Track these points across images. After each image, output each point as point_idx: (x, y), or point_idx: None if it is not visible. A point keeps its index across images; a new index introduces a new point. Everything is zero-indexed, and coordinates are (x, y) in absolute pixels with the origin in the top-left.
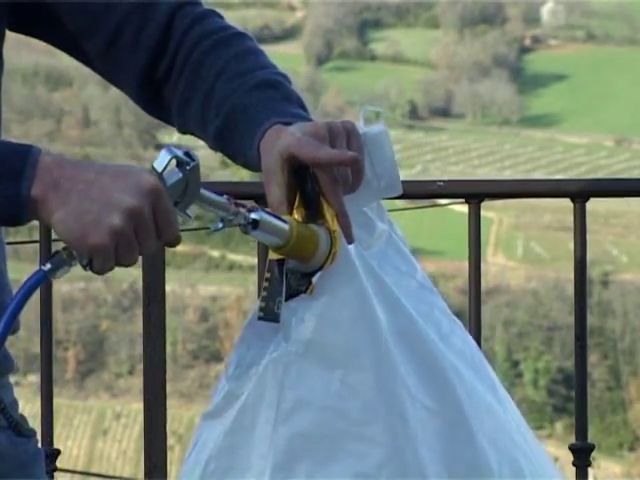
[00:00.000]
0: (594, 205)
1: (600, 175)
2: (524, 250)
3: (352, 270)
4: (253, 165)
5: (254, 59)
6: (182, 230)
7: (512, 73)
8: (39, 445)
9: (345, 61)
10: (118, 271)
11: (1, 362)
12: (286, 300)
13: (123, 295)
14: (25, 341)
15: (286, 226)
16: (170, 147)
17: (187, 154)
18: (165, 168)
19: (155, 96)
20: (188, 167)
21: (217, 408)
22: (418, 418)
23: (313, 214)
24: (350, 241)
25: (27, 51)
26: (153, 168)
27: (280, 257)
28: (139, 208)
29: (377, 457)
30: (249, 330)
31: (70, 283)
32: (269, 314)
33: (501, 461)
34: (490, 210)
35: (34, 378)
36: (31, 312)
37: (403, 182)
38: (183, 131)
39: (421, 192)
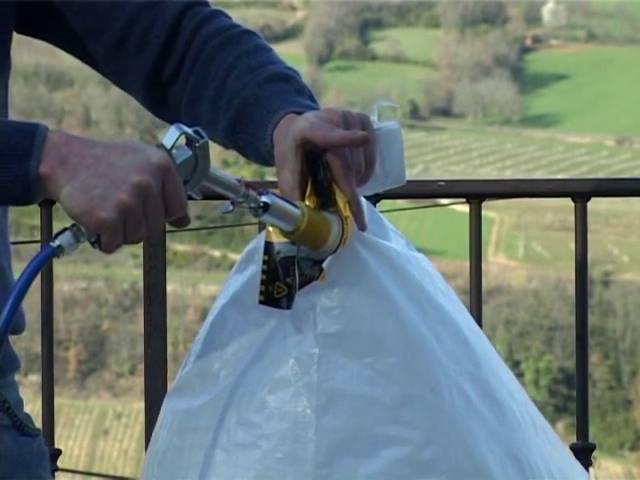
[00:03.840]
0: (595, 205)
1: (601, 175)
2: (525, 250)
3: (363, 256)
4: (265, 157)
5: (264, 55)
6: (183, 230)
7: (513, 73)
8: (43, 445)
9: (346, 61)
10: (119, 271)
11: (6, 361)
12: (299, 288)
13: (124, 295)
14: (26, 341)
15: (297, 211)
16: (179, 124)
17: (197, 132)
18: (174, 145)
19: (162, 96)
20: (197, 144)
21: (185, 384)
22: (456, 394)
23: (325, 202)
24: (362, 227)
25: (28, 51)
26: (162, 144)
27: (277, 240)
28: (148, 184)
29: (417, 439)
30: (228, 307)
31: (71, 283)
32: (269, 299)
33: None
34: (491, 210)
35: (35, 378)
36: (32, 312)
37: None
38: None
39: (422, 192)
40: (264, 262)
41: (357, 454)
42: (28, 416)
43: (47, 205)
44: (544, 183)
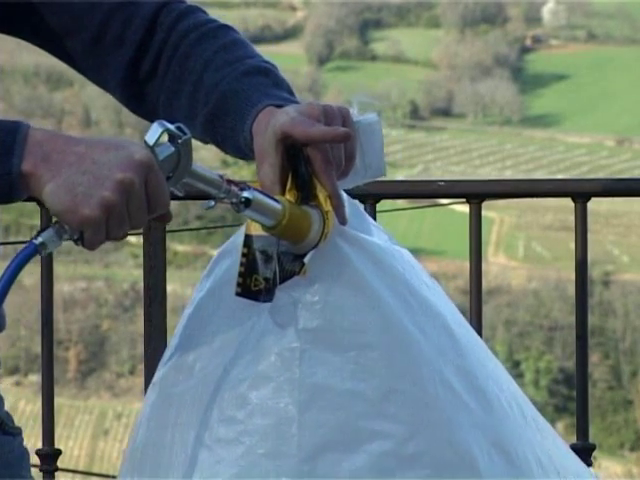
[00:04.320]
0: (595, 205)
1: (601, 175)
2: (525, 250)
3: (345, 250)
4: (244, 150)
5: (242, 49)
6: (183, 230)
7: (513, 73)
8: (24, 445)
9: (346, 61)
10: (119, 271)
11: None
12: (280, 282)
13: (124, 295)
14: (26, 341)
15: (279, 206)
16: (162, 121)
17: (179, 128)
18: (157, 141)
19: (139, 93)
20: (180, 141)
21: (164, 379)
22: (440, 386)
23: (306, 196)
24: (343, 222)
25: (28, 51)
26: (145, 141)
27: (257, 233)
28: (130, 181)
29: (401, 433)
30: (206, 300)
31: (71, 283)
32: (246, 291)
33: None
34: (491, 210)
35: (35, 378)
36: (32, 312)
37: (404, 182)
38: None
39: (422, 192)
40: (243, 254)
41: (340, 449)
42: (8, 414)
43: None
44: (544, 183)
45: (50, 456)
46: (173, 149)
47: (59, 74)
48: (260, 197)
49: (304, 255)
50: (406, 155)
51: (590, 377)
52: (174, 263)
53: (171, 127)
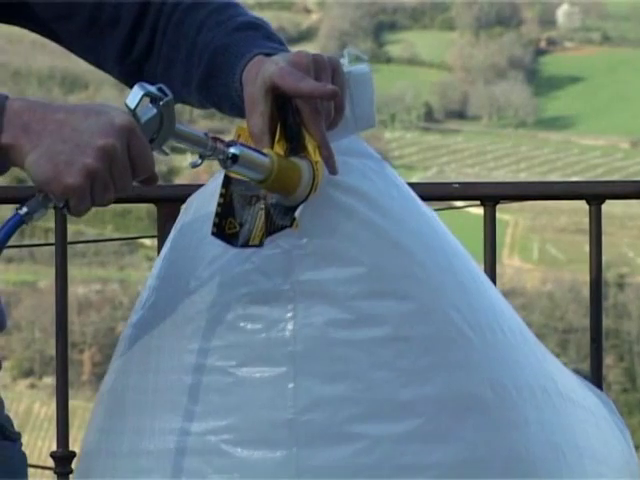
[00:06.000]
0: (610, 207)
1: (616, 177)
2: (540, 252)
3: (338, 200)
4: (239, 105)
5: (234, 9)
6: None
7: (528, 75)
8: (22, 450)
9: None
10: (134, 273)
11: None
12: (269, 234)
13: (139, 297)
14: (41, 343)
15: (266, 159)
16: (142, 83)
17: (160, 89)
18: (138, 104)
19: (138, 70)
20: (162, 102)
21: (142, 319)
22: (454, 330)
23: (295, 147)
24: (333, 172)
25: (42, 54)
26: (126, 105)
27: (237, 177)
28: (112, 146)
29: (401, 381)
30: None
31: (86, 285)
32: (221, 233)
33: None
34: (506, 212)
35: (50, 380)
36: (47, 314)
37: (419, 184)
38: None
39: (437, 194)
40: (221, 195)
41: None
42: (8, 418)
43: None
44: (559, 185)
45: (65, 458)
46: (155, 111)
47: (74, 77)
48: (247, 152)
49: (295, 209)
50: (421, 157)
51: (605, 379)
52: None
53: (152, 89)
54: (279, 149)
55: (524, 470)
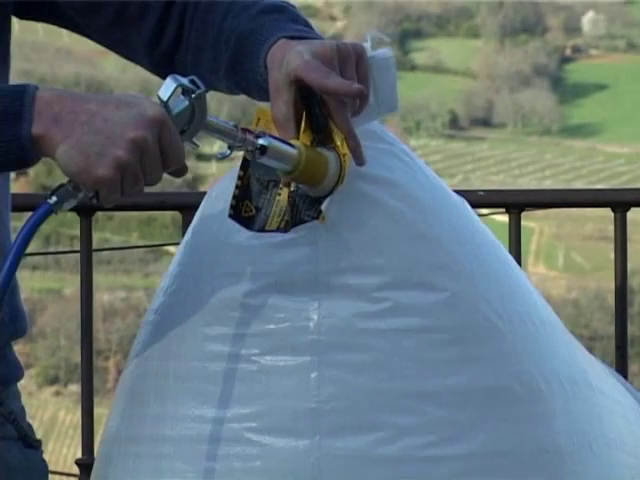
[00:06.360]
0: (635, 215)
1: None
2: (565, 260)
3: (366, 191)
4: (267, 89)
5: None
6: None
7: (553, 83)
8: (43, 458)
9: None
10: (159, 281)
11: (11, 369)
12: (295, 225)
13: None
14: (66, 351)
15: (294, 151)
16: (175, 75)
17: (193, 82)
18: (170, 96)
19: (169, 60)
20: (194, 95)
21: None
22: (482, 319)
23: (322, 138)
24: (361, 163)
25: (68, 61)
26: (158, 97)
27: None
28: (143, 139)
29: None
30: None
31: (111, 293)
32: (237, 215)
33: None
34: (531, 220)
35: (75, 388)
36: (72, 322)
37: None
38: None
39: None
40: (239, 177)
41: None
42: (30, 426)
43: (86, 215)
44: (584, 193)
45: (90, 466)
46: (187, 103)
47: (99, 84)
48: (276, 143)
49: (321, 200)
50: (446, 165)
51: None
52: None
53: (184, 81)
54: (306, 139)
55: (551, 462)
